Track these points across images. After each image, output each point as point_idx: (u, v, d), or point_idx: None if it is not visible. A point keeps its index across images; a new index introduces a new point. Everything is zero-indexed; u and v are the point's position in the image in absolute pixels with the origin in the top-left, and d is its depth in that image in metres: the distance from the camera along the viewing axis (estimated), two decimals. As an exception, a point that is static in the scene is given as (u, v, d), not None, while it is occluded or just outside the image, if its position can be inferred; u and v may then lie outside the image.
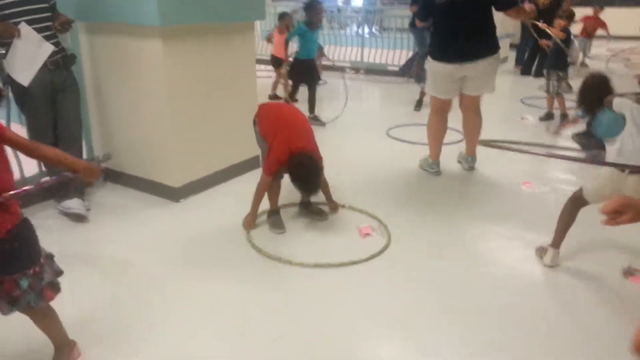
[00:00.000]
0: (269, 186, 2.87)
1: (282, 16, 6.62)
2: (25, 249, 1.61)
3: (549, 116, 5.44)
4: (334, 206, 3.14)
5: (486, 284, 2.44)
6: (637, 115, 2.16)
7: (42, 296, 1.65)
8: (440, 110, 3.79)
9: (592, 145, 3.94)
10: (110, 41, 3.29)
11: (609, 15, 9.97)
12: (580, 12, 7.89)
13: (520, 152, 3.30)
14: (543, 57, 7.78)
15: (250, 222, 2.90)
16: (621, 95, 2.31)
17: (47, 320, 1.78)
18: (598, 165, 2.57)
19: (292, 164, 2.70)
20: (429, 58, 3.68)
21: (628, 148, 2.17)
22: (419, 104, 5.93)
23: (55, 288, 1.72)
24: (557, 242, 2.55)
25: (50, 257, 1.73)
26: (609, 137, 2.63)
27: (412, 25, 6.85)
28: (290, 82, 5.72)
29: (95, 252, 2.72)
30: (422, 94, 5.77)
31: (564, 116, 5.29)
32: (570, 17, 5.43)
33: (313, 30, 5.20)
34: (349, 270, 2.53)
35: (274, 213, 3.00)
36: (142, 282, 2.44)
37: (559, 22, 5.37)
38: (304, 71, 5.29)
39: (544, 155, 3.49)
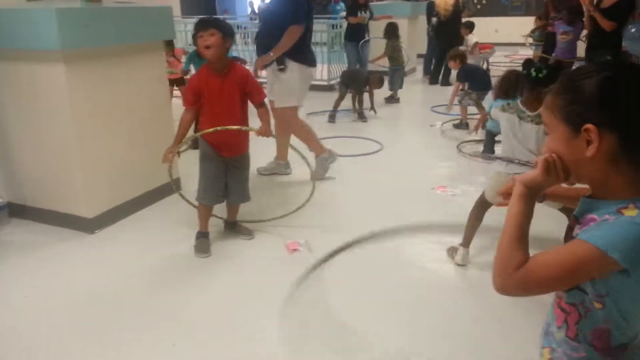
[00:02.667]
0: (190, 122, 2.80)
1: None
2: None
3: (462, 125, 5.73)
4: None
5: (405, 283, 2.57)
6: (512, 121, 2.49)
7: None
8: None
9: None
10: (10, 67, 3.08)
11: (501, 24, 10.81)
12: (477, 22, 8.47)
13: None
14: (448, 66, 8.28)
15: (167, 155, 2.76)
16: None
17: None
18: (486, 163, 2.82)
19: None
20: (300, 65, 3.78)
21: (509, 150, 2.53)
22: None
23: None
24: (466, 242, 2.73)
25: None
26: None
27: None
28: None
29: (3, 296, 2.52)
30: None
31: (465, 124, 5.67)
32: (460, 56, 5.79)
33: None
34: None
35: (202, 235, 2.92)
36: (53, 326, 2.29)
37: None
38: None
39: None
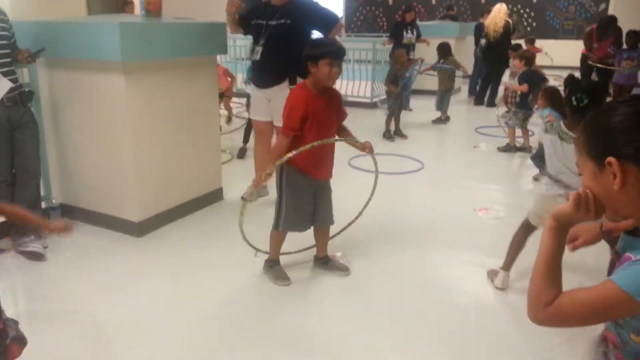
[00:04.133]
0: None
1: None
2: None
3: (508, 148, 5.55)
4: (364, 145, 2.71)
5: (444, 307, 2.54)
6: (554, 142, 2.46)
7: (7, 353, 1.52)
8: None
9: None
10: (70, 76, 3.28)
11: (551, 46, 10.58)
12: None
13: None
14: (494, 88, 8.20)
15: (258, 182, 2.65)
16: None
17: None
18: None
19: None
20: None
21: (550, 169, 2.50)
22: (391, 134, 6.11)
23: (22, 341, 1.58)
24: (507, 265, 2.69)
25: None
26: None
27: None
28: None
29: (54, 293, 2.65)
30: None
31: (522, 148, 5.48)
32: (529, 59, 5.55)
33: None
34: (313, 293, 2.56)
35: (277, 263, 2.80)
36: (105, 324, 2.39)
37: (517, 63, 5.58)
38: None
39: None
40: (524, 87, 5.31)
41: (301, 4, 3.49)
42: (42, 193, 3.29)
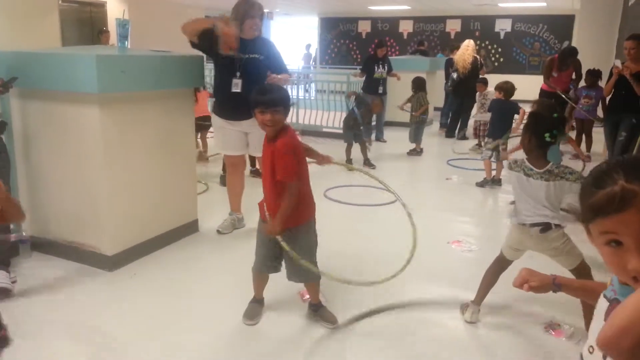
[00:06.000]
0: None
1: None
2: None
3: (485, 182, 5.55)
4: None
5: (418, 339, 2.56)
6: (520, 179, 2.53)
7: None
8: None
9: None
10: (44, 107, 3.24)
11: (518, 80, 10.98)
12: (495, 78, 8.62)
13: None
14: (464, 120, 8.45)
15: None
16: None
17: None
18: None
19: None
20: None
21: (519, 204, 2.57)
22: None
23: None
24: (478, 300, 2.73)
25: None
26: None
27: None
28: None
29: (20, 330, 2.56)
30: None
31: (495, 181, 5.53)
32: (508, 90, 5.65)
33: None
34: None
35: (253, 300, 2.74)
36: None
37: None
38: None
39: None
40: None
41: (268, 42, 3.78)
42: (11, 225, 3.21)
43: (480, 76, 8.18)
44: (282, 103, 2.38)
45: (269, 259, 2.58)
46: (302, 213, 2.47)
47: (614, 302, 0.99)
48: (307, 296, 2.83)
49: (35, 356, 2.35)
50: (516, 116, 5.71)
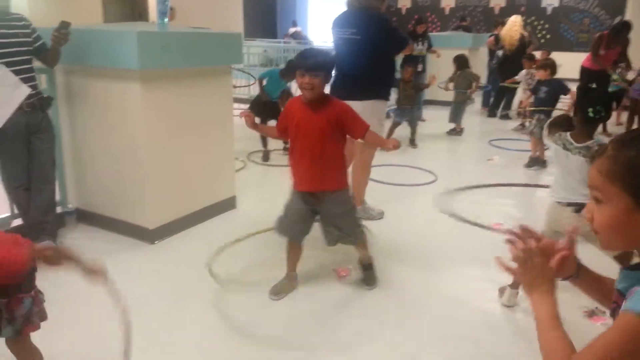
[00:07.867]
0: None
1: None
2: (31, 273, 1.72)
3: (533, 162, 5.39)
4: None
5: (454, 321, 2.53)
6: (558, 151, 2.46)
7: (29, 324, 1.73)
8: None
9: None
10: (88, 83, 3.31)
11: (566, 59, 10.54)
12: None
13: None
14: (508, 100, 8.17)
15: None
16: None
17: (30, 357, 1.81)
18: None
19: None
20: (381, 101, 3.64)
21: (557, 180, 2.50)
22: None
23: (43, 316, 1.83)
24: (516, 283, 2.64)
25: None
26: None
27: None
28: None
29: (66, 297, 2.66)
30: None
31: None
32: (552, 66, 5.39)
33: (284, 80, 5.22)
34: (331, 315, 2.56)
35: (287, 278, 2.77)
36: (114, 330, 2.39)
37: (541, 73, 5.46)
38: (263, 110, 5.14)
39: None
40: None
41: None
42: (57, 198, 3.31)
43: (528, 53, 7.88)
44: (322, 68, 2.40)
45: (298, 223, 2.64)
46: (345, 177, 2.66)
47: (615, 292, 0.99)
48: (344, 273, 2.85)
49: (77, 320, 2.43)
50: (562, 96, 5.46)
